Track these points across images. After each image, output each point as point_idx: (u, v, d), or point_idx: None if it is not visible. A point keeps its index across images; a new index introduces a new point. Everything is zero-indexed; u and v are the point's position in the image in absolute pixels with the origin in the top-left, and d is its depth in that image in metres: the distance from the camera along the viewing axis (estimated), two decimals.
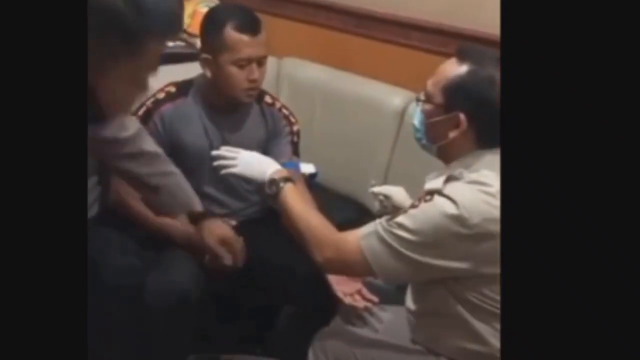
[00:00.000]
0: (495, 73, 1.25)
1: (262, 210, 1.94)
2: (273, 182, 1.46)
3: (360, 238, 1.32)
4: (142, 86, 1.02)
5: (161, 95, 1.81)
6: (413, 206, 1.29)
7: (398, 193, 1.69)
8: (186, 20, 2.76)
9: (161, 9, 0.98)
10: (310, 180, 2.24)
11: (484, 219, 1.22)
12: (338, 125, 2.43)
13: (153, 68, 1.00)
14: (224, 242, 1.60)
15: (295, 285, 1.67)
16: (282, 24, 2.72)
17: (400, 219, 1.28)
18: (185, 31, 2.73)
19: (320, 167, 2.45)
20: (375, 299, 1.60)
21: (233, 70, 1.71)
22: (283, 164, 1.82)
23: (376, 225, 1.31)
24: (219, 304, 1.69)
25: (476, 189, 1.24)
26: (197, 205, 1.62)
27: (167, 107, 1.79)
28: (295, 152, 1.99)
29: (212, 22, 1.75)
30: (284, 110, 1.98)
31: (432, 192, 1.28)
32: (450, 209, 1.22)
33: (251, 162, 1.52)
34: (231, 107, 1.83)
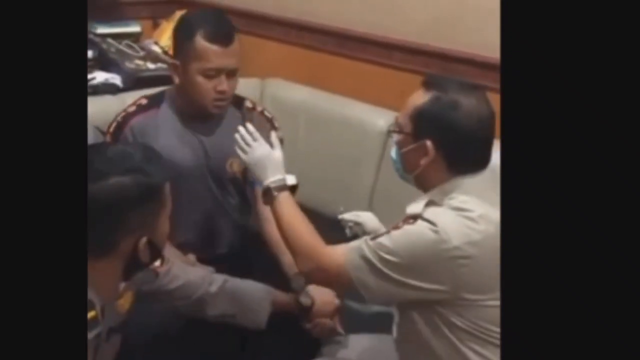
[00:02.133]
0: (460, 98, 1.28)
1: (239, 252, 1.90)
2: (268, 191, 1.48)
3: (344, 253, 1.34)
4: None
5: (132, 109, 1.78)
6: (396, 227, 1.30)
7: (368, 219, 1.71)
8: (167, 42, 2.74)
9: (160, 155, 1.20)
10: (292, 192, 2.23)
11: (464, 242, 1.23)
12: (322, 146, 2.42)
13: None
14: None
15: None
16: (266, 45, 2.72)
17: (383, 239, 1.29)
18: (166, 53, 2.71)
19: (304, 188, 2.44)
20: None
21: (200, 79, 1.68)
22: None
23: (361, 243, 1.33)
24: (200, 338, 1.66)
25: (457, 214, 1.26)
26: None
27: (137, 119, 1.75)
28: None
29: (183, 29, 1.72)
30: (267, 114, 1.95)
31: (414, 217, 1.29)
32: (432, 231, 1.24)
33: (260, 159, 1.52)
34: (205, 115, 1.79)
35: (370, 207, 2.31)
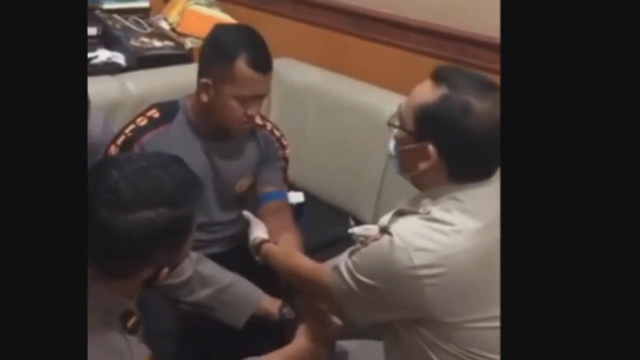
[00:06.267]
0: (473, 99, 1.13)
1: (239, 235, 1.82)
2: (252, 248, 1.61)
3: (328, 273, 1.29)
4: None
5: (143, 123, 1.66)
6: (365, 244, 1.21)
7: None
8: (175, 18, 2.66)
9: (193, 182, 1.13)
10: (298, 210, 2.14)
11: (431, 259, 1.11)
12: (332, 131, 2.31)
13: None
14: None
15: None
16: (275, 22, 2.61)
17: (355, 257, 1.21)
18: (174, 30, 2.63)
19: (311, 176, 2.35)
20: None
21: (234, 103, 1.59)
22: (271, 194, 1.79)
23: (341, 261, 1.25)
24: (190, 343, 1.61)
25: (429, 227, 1.14)
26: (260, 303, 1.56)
27: (148, 137, 1.64)
28: (285, 178, 1.88)
29: (222, 50, 1.59)
30: (276, 132, 1.86)
31: (382, 229, 1.20)
32: (394, 248, 1.13)
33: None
34: (223, 134, 1.70)
35: (379, 197, 2.23)
